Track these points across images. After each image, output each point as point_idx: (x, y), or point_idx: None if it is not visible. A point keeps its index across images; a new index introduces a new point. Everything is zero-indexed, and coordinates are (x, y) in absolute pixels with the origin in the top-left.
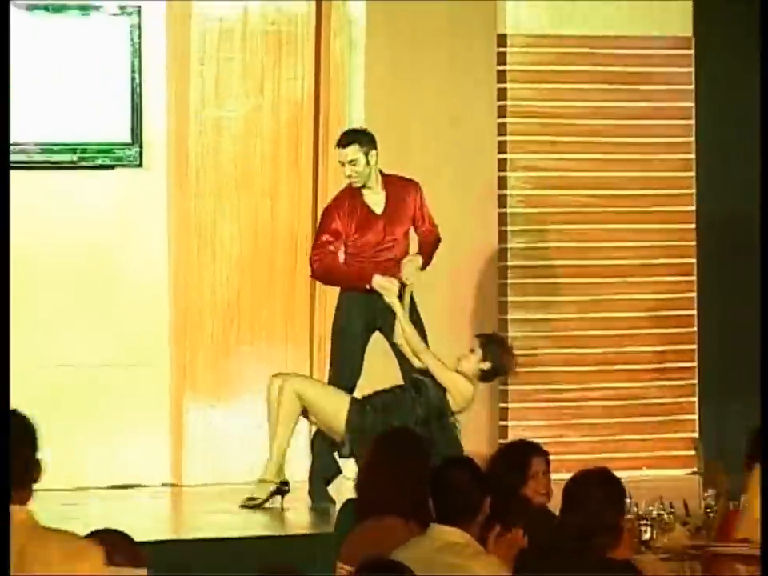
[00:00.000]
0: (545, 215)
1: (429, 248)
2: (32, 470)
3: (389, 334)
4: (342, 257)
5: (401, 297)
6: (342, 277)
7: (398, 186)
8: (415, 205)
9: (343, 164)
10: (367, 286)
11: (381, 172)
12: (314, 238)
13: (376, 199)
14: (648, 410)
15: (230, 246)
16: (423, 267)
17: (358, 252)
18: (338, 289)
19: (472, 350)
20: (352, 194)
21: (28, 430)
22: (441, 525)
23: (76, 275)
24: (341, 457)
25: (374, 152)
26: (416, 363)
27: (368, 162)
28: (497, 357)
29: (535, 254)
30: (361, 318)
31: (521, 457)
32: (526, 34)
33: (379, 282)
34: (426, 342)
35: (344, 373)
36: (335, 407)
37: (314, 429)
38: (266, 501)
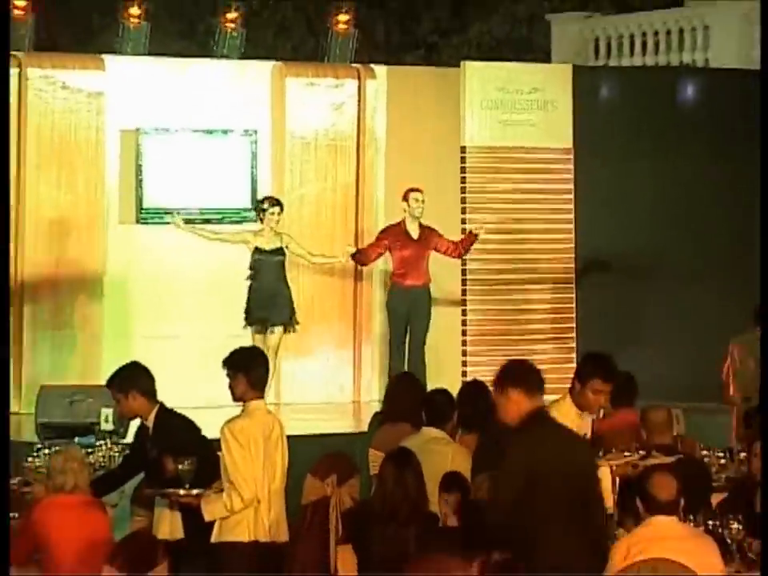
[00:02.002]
0: (488, 250)
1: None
2: (263, 381)
3: (413, 320)
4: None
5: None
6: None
7: (425, 228)
8: (436, 241)
9: (417, 201)
10: (407, 282)
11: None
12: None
13: (414, 230)
14: (548, 360)
15: (307, 267)
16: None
17: (403, 259)
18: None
19: None
20: (398, 225)
21: (259, 357)
22: (428, 427)
23: (215, 283)
24: None
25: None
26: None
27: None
28: None
29: (482, 270)
30: (402, 305)
31: (476, 389)
32: (476, 145)
33: None
34: (426, 332)
35: (398, 340)
36: None
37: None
38: None
